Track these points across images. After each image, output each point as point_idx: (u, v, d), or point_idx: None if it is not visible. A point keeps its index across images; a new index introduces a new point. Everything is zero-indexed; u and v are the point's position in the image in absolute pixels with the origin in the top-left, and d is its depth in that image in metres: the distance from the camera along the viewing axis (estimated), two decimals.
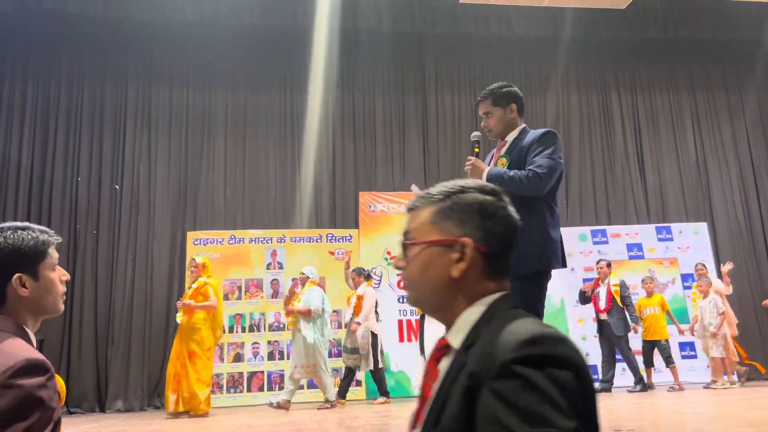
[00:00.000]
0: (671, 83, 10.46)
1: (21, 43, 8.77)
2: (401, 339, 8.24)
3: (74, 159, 8.68)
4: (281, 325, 8.09)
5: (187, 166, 8.99)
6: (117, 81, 9.01)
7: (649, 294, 7.95)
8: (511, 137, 2.95)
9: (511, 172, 2.71)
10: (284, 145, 9.29)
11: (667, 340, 7.70)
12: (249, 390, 7.76)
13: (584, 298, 8.03)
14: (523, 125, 2.99)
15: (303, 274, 7.14)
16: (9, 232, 1.43)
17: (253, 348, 7.99)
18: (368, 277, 7.51)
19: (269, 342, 8.05)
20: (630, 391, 7.36)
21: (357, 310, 7.14)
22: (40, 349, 1.63)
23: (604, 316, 7.70)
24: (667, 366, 7.65)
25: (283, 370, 7.91)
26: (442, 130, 9.79)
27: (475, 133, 3.05)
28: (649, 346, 7.74)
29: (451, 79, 9.99)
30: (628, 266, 8.90)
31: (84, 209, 8.53)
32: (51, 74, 8.84)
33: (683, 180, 10.03)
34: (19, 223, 1.48)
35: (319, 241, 8.54)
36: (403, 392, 7.99)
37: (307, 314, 6.69)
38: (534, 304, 2.66)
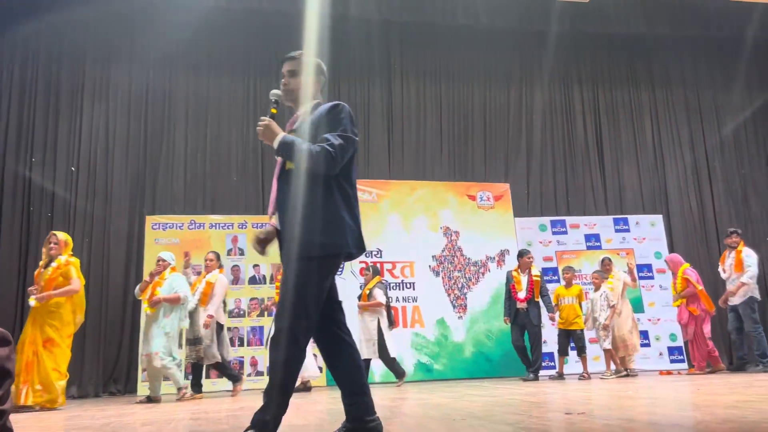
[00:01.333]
0: (631, 78, 10.68)
1: None
2: None
3: (28, 139, 8.43)
4: (241, 311, 8.03)
5: (147, 148, 8.82)
6: (74, 59, 8.77)
7: (568, 284, 7.86)
8: (303, 110, 2.72)
9: (305, 144, 2.47)
10: (247, 130, 9.18)
11: (582, 330, 7.68)
12: (207, 376, 7.68)
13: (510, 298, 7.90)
14: (319, 101, 2.76)
15: (163, 260, 6.47)
16: None
17: None
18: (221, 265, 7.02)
19: (229, 328, 7.96)
20: (524, 380, 7.36)
21: (204, 297, 6.56)
22: None
23: (523, 305, 7.63)
24: (579, 355, 7.68)
25: (242, 357, 7.87)
26: (407, 118, 9.81)
27: (275, 91, 2.74)
28: (564, 335, 7.73)
29: (417, 67, 10.00)
30: (586, 256, 9.09)
31: (38, 191, 8.30)
32: (4, 51, 8.55)
33: (641, 173, 10.27)
34: None
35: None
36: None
37: (176, 302, 6.18)
38: (302, 287, 2.39)
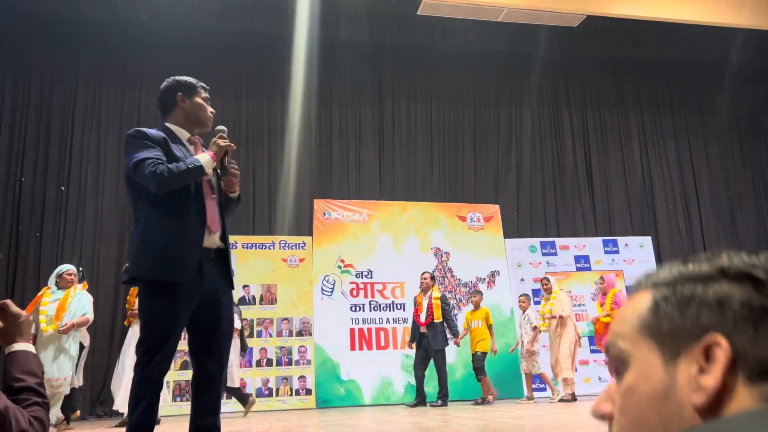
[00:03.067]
0: (619, 100, 10.81)
1: None
2: (353, 347, 8.23)
3: (18, 158, 8.42)
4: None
5: None
6: (66, 80, 8.78)
7: (476, 307, 7.76)
8: None
9: None
10: (237, 151, 9.18)
11: (483, 353, 7.48)
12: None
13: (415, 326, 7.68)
14: None
15: (70, 274, 5.97)
16: None
17: None
18: (83, 279, 6.42)
19: None
20: (432, 405, 7.16)
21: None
22: None
23: (424, 329, 7.45)
24: (477, 377, 7.49)
25: None
26: (397, 138, 9.88)
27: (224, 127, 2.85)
28: (474, 357, 7.56)
29: (408, 89, 10.09)
30: (576, 278, 9.12)
31: (27, 210, 8.27)
32: None
33: (629, 195, 10.36)
34: None
35: (272, 247, 8.47)
36: (353, 401, 7.98)
37: (85, 325, 5.89)
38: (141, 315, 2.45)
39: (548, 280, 7.85)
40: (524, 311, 7.77)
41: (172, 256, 2.41)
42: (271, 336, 8.12)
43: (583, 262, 9.27)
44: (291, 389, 7.96)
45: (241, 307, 8.10)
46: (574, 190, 10.25)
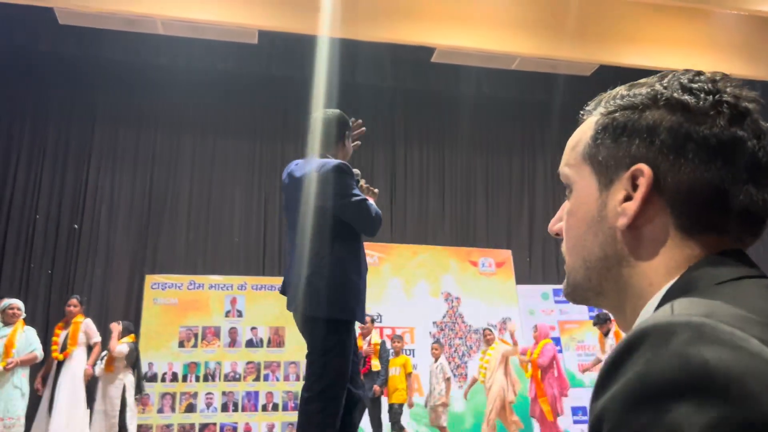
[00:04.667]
0: None
1: None
2: None
3: (34, 196, 8.50)
4: (237, 375, 7.87)
5: (150, 208, 8.87)
6: (84, 119, 8.93)
7: (396, 353, 7.13)
8: None
9: None
10: (251, 192, 9.25)
11: (401, 405, 6.80)
12: None
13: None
14: None
15: (19, 308, 5.86)
16: None
17: (207, 398, 7.73)
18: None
19: (224, 393, 7.80)
20: None
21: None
22: None
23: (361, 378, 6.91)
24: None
25: (236, 423, 7.66)
26: (410, 182, 9.89)
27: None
28: (391, 409, 6.94)
29: (420, 133, 10.15)
30: (588, 327, 8.94)
31: (40, 247, 8.30)
32: (17, 109, 8.72)
33: None
34: None
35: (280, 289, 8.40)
36: None
37: (33, 362, 5.78)
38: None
39: (490, 331, 7.51)
40: (437, 358, 7.33)
41: (363, 300, 2.56)
42: (278, 380, 8.00)
43: (596, 310, 9.11)
44: None
45: (248, 349, 8.02)
46: None
